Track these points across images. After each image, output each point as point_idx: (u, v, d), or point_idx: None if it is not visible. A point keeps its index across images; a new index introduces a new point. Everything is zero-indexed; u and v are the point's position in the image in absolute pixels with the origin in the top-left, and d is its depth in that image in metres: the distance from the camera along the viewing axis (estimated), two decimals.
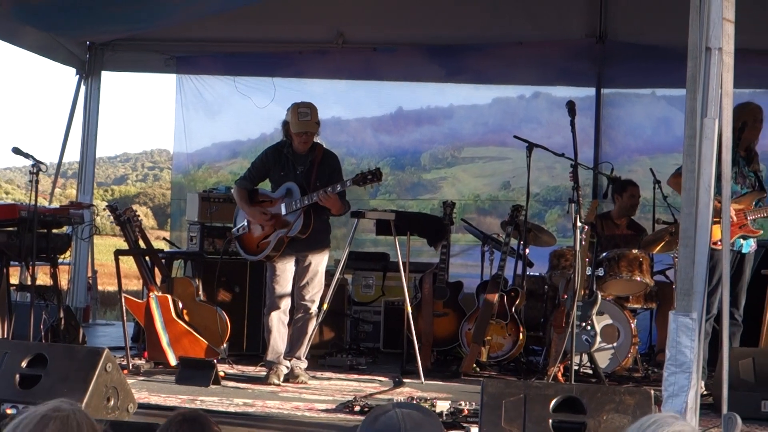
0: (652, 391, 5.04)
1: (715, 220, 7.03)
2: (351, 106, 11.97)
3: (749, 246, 7.47)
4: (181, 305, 8.15)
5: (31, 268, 7.94)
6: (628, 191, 9.19)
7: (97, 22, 10.05)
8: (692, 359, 4.26)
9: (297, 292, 7.81)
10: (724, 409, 4.27)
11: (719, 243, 7.08)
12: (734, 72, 4.50)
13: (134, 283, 13.45)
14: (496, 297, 8.53)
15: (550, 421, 4.98)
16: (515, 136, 8.80)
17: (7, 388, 5.63)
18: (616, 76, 11.32)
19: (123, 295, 8.14)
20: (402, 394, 7.26)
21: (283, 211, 7.67)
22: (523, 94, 11.90)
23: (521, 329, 8.57)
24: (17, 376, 5.68)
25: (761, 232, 7.64)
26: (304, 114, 7.60)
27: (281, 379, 7.66)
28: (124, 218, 8.21)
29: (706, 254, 4.34)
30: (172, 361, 7.93)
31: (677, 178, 7.46)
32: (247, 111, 11.67)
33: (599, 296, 7.78)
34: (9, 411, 5.42)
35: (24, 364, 5.73)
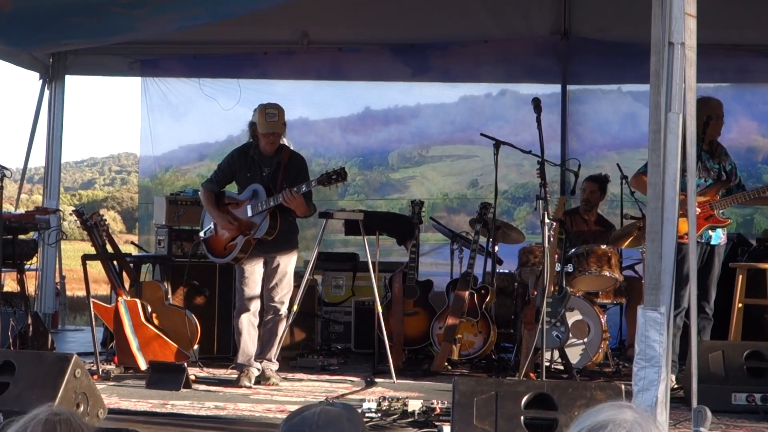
0: (623, 386, 5.06)
1: (681, 213, 7.10)
2: (318, 107, 11.94)
3: (719, 238, 7.51)
4: (150, 309, 8.11)
5: None
6: (583, 185, 9.23)
7: (58, 35, 9.93)
8: (661, 353, 4.28)
9: (266, 294, 7.79)
10: (694, 403, 4.29)
11: (686, 237, 7.14)
12: (697, 67, 4.52)
13: (103, 288, 13.36)
14: (466, 293, 8.54)
15: (522, 417, 4.99)
16: (482, 134, 8.82)
17: None
18: (581, 72, 11.37)
19: (91, 300, 8.09)
20: (374, 393, 7.25)
21: (249, 213, 7.65)
22: (490, 92, 11.92)
23: (492, 327, 8.59)
24: None
25: (730, 221, 7.69)
26: (271, 115, 7.58)
27: (252, 381, 7.64)
28: (91, 223, 8.16)
29: (673, 248, 4.36)
30: (142, 365, 7.89)
31: (639, 177, 7.51)
32: (213, 113, 11.62)
33: (569, 292, 7.81)
34: None
35: None
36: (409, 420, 6.09)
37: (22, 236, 8.36)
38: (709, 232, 7.44)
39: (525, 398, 5.04)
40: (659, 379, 4.27)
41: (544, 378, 6.68)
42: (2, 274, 7.99)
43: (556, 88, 11.33)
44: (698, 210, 7.28)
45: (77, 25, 9.30)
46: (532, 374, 7.41)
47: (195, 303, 8.93)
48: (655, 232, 4.37)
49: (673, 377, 6.94)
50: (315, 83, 11.93)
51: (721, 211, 7.42)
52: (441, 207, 11.88)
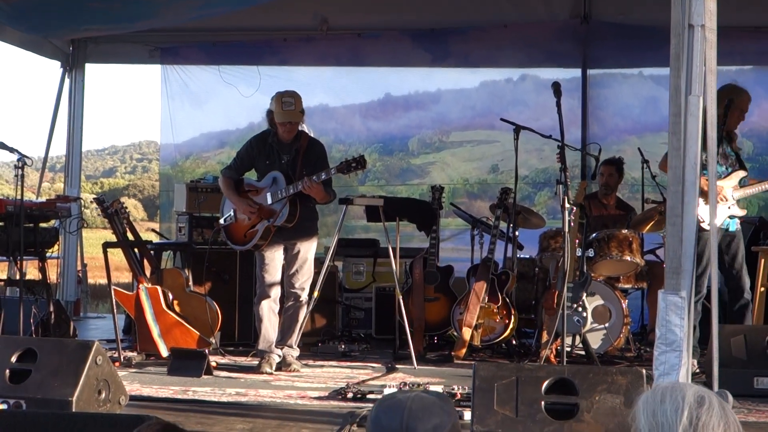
0: (644, 371, 5.03)
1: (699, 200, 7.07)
2: (338, 93, 11.94)
3: (736, 223, 7.49)
4: (171, 296, 8.14)
5: (19, 262, 7.91)
6: (600, 169, 9.19)
7: (77, 20, 9.95)
8: (682, 337, 4.26)
9: (287, 281, 7.80)
10: (716, 387, 4.27)
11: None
12: (718, 49, 4.48)
13: (125, 276, 13.41)
14: (484, 286, 8.52)
15: (543, 403, 4.97)
16: (502, 119, 8.79)
17: None
18: (601, 56, 11.30)
19: (113, 287, 8.12)
20: (395, 379, 7.26)
21: (269, 201, 7.65)
22: (510, 77, 11.87)
23: (513, 312, 8.56)
24: (7, 371, 5.65)
25: (746, 212, 7.66)
26: (288, 103, 7.57)
27: (273, 367, 7.65)
28: (112, 211, 8.18)
29: (693, 232, 4.34)
30: (164, 352, 7.92)
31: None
32: (233, 100, 11.64)
33: (590, 277, 7.79)
34: (0, 406, 5.40)
35: (14, 359, 5.70)
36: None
37: (43, 224, 8.38)
38: (728, 219, 7.41)
39: (546, 383, 5.03)
40: (680, 363, 4.25)
41: (564, 363, 6.66)
42: (24, 263, 8.01)
43: (576, 72, 11.27)
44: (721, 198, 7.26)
45: (96, 11, 9.32)
46: (553, 359, 7.39)
47: (216, 290, 8.94)
48: (675, 216, 4.34)
49: (695, 362, 6.91)
50: (335, 69, 11.91)
51: (737, 199, 7.39)
52: (461, 192, 11.85)
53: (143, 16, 9.74)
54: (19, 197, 7.68)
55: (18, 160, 7.72)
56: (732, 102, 7.32)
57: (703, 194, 6.04)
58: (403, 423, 2.34)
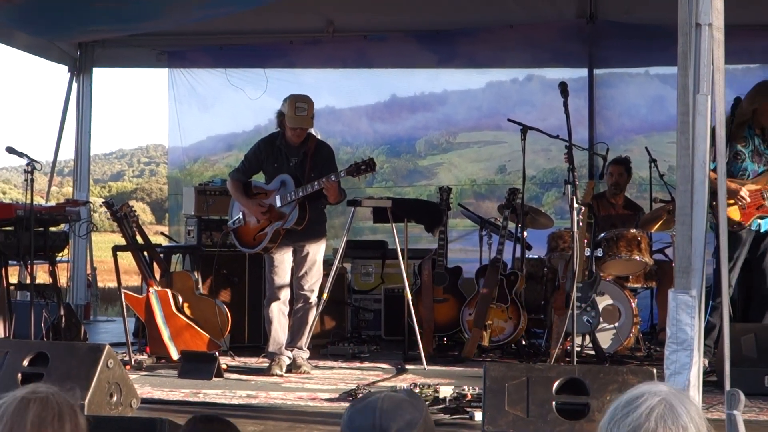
0: (655, 370, 5.04)
1: (731, 202, 7.05)
2: (344, 95, 11.95)
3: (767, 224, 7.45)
4: (181, 299, 8.15)
5: (29, 266, 7.94)
6: (608, 169, 9.19)
7: (84, 21, 9.97)
8: (693, 337, 4.26)
9: (296, 283, 7.81)
10: (727, 386, 4.27)
11: (735, 227, 7.09)
12: (726, 48, 4.49)
13: (134, 279, 13.44)
14: (494, 291, 8.54)
15: (554, 403, 4.98)
16: (509, 119, 8.83)
17: (9, 387, 5.58)
18: (608, 56, 11.30)
19: (123, 291, 8.14)
20: (405, 380, 7.27)
21: (278, 203, 7.66)
22: (516, 78, 11.87)
23: (522, 312, 8.57)
24: (19, 375, 5.67)
25: None
26: (301, 109, 7.57)
27: (284, 369, 7.66)
28: (121, 214, 8.20)
29: (703, 231, 4.34)
30: (174, 355, 7.94)
31: None
32: (240, 103, 11.66)
33: (599, 277, 7.79)
34: None
35: (26, 362, 5.72)
36: (441, 407, 6.09)
37: (53, 228, 8.42)
38: (758, 220, 7.37)
39: (556, 383, 5.04)
40: (691, 362, 4.25)
41: (575, 363, 6.66)
42: (34, 267, 8.04)
43: (583, 72, 11.26)
44: (748, 199, 7.22)
45: (102, 11, 9.33)
46: (563, 360, 7.39)
47: (225, 292, 8.96)
48: (684, 215, 4.34)
49: (706, 361, 6.90)
50: (341, 72, 11.93)
51: None
52: (469, 193, 11.85)
53: (149, 16, 9.75)
54: (28, 201, 7.71)
55: (27, 164, 7.75)
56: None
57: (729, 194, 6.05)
58: (376, 422, 2.38)
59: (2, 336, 7.85)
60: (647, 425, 2.14)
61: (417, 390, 6.31)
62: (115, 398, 5.64)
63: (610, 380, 5.05)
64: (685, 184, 4.36)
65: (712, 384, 6.33)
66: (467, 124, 12.00)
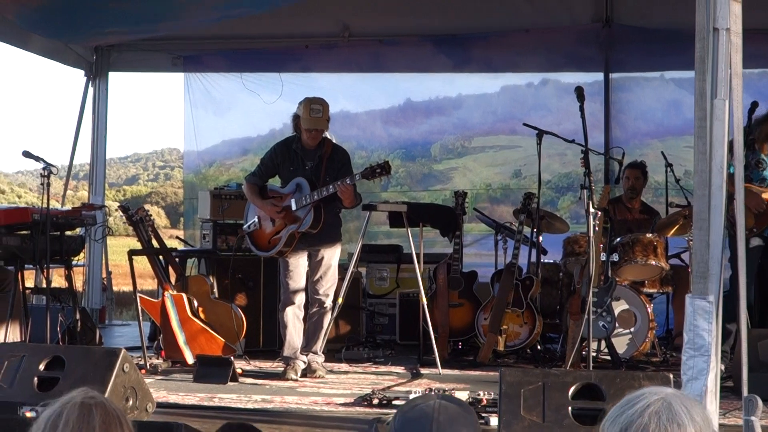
0: (671, 375, 5.02)
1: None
2: (359, 100, 11.96)
3: None
4: (196, 303, 8.17)
5: (45, 270, 7.96)
6: (625, 174, 9.18)
7: (100, 23, 9.99)
8: (710, 342, 4.24)
9: (311, 287, 7.81)
10: (745, 392, 4.25)
11: (746, 232, 7.06)
12: (743, 52, 4.47)
13: (149, 283, 13.47)
14: (510, 296, 8.53)
15: (570, 408, 4.97)
16: (525, 124, 8.82)
17: (25, 390, 5.64)
18: (623, 60, 11.27)
19: (138, 294, 8.15)
20: (420, 385, 7.25)
21: (294, 207, 7.66)
22: (532, 82, 11.87)
23: (537, 317, 8.55)
24: (35, 378, 5.69)
25: None
26: (316, 111, 7.59)
27: (298, 374, 7.66)
28: (137, 218, 8.22)
29: (720, 236, 4.32)
30: (189, 359, 7.94)
31: None
32: (255, 107, 11.69)
33: (615, 281, 7.77)
34: (29, 414, 5.43)
35: (42, 366, 5.74)
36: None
37: (68, 232, 8.43)
38: None
39: (572, 389, 5.02)
40: (708, 368, 4.23)
41: (590, 368, 6.64)
42: (50, 270, 8.05)
43: (598, 76, 11.24)
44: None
45: (118, 11, 9.35)
46: (579, 365, 7.37)
47: (240, 296, 8.97)
48: (702, 220, 4.33)
49: (722, 366, 6.87)
50: (356, 76, 11.95)
51: None
52: (484, 198, 11.85)
53: (164, 17, 9.75)
54: (44, 205, 7.73)
55: (44, 168, 7.77)
56: None
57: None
58: None
59: (18, 340, 7.87)
60: (640, 420, 2.14)
61: (438, 393, 6.29)
62: (131, 402, 5.65)
63: (626, 386, 5.03)
64: (703, 189, 4.35)
65: (728, 389, 6.30)
66: (482, 128, 11.99)
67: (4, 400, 5.55)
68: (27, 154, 7.97)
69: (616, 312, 7.89)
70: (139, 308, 8.17)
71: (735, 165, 4.58)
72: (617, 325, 7.93)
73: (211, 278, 8.70)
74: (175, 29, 10.67)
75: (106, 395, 5.39)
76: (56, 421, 2.40)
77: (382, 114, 12.15)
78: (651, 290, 8.67)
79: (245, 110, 11.89)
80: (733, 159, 4.59)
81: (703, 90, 4.39)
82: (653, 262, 8.21)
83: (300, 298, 7.80)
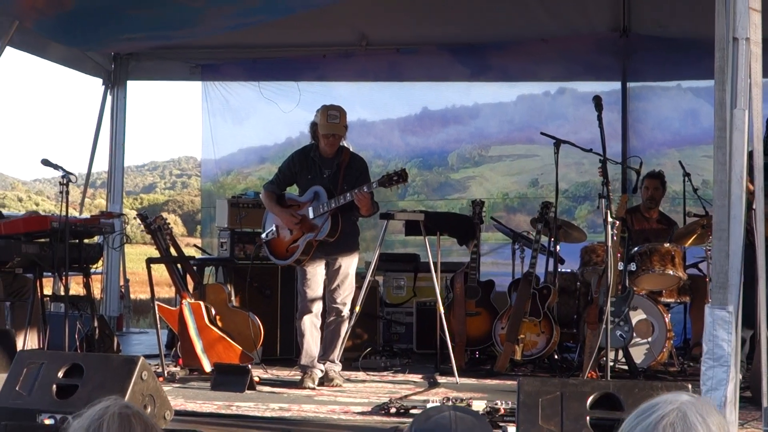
0: (690, 386, 5.00)
1: None
2: (376, 108, 11.98)
3: None
4: (214, 311, 8.18)
5: (64, 278, 7.98)
6: (644, 183, 9.16)
7: (119, 29, 10.03)
8: (730, 353, 4.23)
9: (328, 296, 7.82)
10: (764, 402, 4.24)
11: None
12: (763, 62, 4.47)
13: (165, 291, 13.50)
14: (527, 305, 8.52)
15: (588, 418, 4.95)
16: (543, 133, 8.82)
17: (44, 398, 5.65)
18: (641, 69, 11.26)
19: (156, 302, 8.18)
20: (437, 394, 7.25)
21: (311, 215, 7.67)
22: (548, 91, 11.87)
23: (554, 327, 8.54)
24: (54, 386, 5.70)
25: None
26: (333, 117, 7.61)
27: (316, 382, 7.66)
28: (155, 226, 8.25)
29: (740, 246, 4.31)
30: (207, 367, 7.96)
31: None
32: (272, 116, 11.72)
33: (632, 291, 7.76)
34: (47, 421, 5.45)
35: (60, 374, 5.75)
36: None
37: (87, 240, 8.46)
38: None
39: (591, 398, 5.00)
40: (728, 378, 4.22)
41: (608, 378, 6.63)
42: (68, 278, 8.08)
43: (615, 85, 11.25)
44: None
45: (136, 17, 9.39)
46: (594, 373, 7.36)
47: (257, 305, 8.98)
48: (722, 230, 4.32)
49: (741, 377, 6.85)
50: (373, 84, 11.97)
51: None
52: (500, 207, 11.84)
53: (182, 24, 9.78)
54: (63, 213, 7.76)
55: (62, 176, 7.79)
56: None
57: None
58: None
59: (37, 347, 7.90)
60: None
61: (450, 404, 6.29)
62: (149, 410, 5.65)
63: (645, 395, 5.00)
64: (722, 199, 4.34)
65: (746, 399, 6.28)
66: (499, 137, 12.01)
67: (23, 407, 5.56)
68: (46, 162, 8.00)
69: (634, 321, 7.88)
70: (158, 316, 8.20)
71: (755, 176, 4.56)
72: (635, 334, 7.92)
73: (228, 286, 8.72)
74: (192, 36, 10.71)
75: None
76: None
77: (399, 123, 12.17)
78: (668, 300, 8.65)
79: (263, 119, 11.93)
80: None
81: (722, 100, 4.39)
82: (671, 272, 8.19)
83: (317, 307, 7.81)
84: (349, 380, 7.95)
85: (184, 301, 8.13)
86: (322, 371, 7.77)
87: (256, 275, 8.91)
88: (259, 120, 12.00)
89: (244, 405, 6.80)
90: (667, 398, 2.16)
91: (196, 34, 10.65)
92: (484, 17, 11.02)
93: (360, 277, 8.35)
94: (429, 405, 6.27)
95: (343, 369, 8.01)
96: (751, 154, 4.52)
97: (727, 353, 4.22)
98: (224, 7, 9.40)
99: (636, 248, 8.30)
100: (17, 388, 5.65)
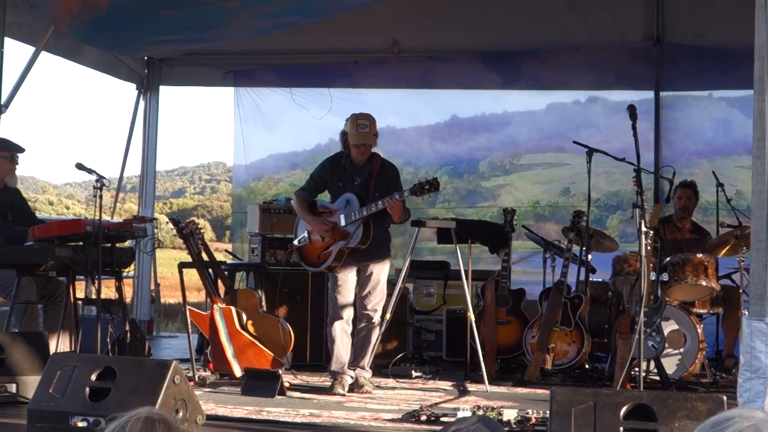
0: (725, 397, 4.97)
1: None
2: (407, 115, 11.98)
3: None
4: (245, 317, 8.19)
5: (96, 282, 8.01)
6: (677, 193, 9.12)
7: (152, 31, 10.06)
8: (767, 364, 4.20)
9: (359, 302, 7.82)
10: None
11: None
12: None
13: (194, 295, 13.53)
14: (558, 314, 8.50)
15: (621, 428, 4.92)
16: (575, 142, 8.81)
17: (77, 401, 5.68)
18: (674, 78, 11.21)
19: (187, 307, 8.20)
20: (467, 402, 7.23)
21: (343, 222, 7.68)
22: (578, 99, 11.83)
23: (586, 336, 8.51)
24: (87, 389, 5.72)
25: None
26: (362, 126, 7.62)
27: (346, 389, 7.66)
28: (187, 231, 8.27)
29: None
30: (237, 372, 7.97)
31: None
32: (304, 122, 11.74)
33: (664, 301, 7.72)
34: (80, 424, 5.47)
35: (93, 377, 5.78)
36: (506, 430, 6.05)
37: (119, 244, 8.49)
38: None
39: (624, 409, 4.97)
40: (765, 390, 4.19)
41: (641, 388, 6.59)
42: (101, 282, 8.11)
43: (648, 94, 11.19)
44: None
45: (170, 19, 9.43)
46: (628, 384, 7.32)
47: (288, 310, 8.99)
48: (760, 241, 4.29)
49: None
50: (404, 92, 11.97)
51: None
52: (530, 215, 11.81)
53: (215, 25, 9.79)
54: (96, 217, 7.79)
55: (96, 180, 7.82)
56: None
57: None
58: None
59: (69, 350, 7.93)
60: None
61: (481, 413, 6.28)
62: (181, 414, 5.67)
63: (679, 407, 4.98)
64: (761, 210, 4.31)
65: None
66: (529, 145, 11.98)
67: (57, 410, 5.60)
68: (80, 167, 8.03)
69: (666, 332, 7.83)
70: (189, 320, 8.22)
71: None
72: (666, 345, 7.87)
73: (259, 292, 8.74)
74: (225, 38, 10.72)
75: (157, 406, 5.43)
76: None
77: (428, 130, 12.18)
78: (701, 311, 8.60)
79: (294, 125, 11.95)
80: None
81: (762, 110, 4.36)
82: (704, 283, 8.15)
83: (348, 313, 7.81)
84: (378, 387, 7.95)
85: (215, 305, 8.15)
86: (352, 378, 7.76)
87: (286, 281, 8.91)
88: (290, 126, 12.02)
89: (275, 410, 6.80)
90: (742, 413, 2.15)
91: (229, 36, 10.66)
92: (517, 25, 11.03)
93: (390, 284, 8.34)
94: (460, 413, 6.25)
95: (373, 376, 8.00)
96: None
97: (765, 365, 4.19)
98: (257, 9, 9.42)
99: (669, 258, 8.26)
100: (50, 391, 5.68)
